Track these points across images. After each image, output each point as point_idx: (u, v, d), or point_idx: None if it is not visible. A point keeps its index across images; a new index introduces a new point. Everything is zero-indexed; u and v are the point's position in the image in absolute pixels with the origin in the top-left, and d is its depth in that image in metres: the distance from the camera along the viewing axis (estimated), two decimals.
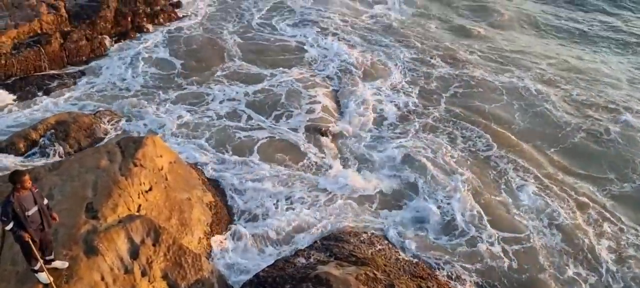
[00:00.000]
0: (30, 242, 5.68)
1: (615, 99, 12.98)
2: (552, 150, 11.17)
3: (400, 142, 11.09)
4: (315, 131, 11.20)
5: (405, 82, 13.39)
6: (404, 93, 12.88)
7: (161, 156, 8.64)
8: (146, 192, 7.88)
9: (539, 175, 10.36)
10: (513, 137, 11.43)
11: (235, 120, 11.59)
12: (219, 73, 13.35)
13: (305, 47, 14.88)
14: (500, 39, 16.22)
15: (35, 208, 5.71)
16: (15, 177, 5.61)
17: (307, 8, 17.49)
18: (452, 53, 14.78)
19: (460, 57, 14.60)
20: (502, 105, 12.58)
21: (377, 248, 8.29)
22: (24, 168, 8.58)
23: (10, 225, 5.59)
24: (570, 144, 11.41)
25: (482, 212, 9.32)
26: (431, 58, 14.56)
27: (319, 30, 15.85)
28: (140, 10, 14.98)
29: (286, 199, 9.45)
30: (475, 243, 8.71)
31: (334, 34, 15.61)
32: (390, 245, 8.53)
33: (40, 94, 12.11)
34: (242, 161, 10.30)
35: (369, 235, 8.59)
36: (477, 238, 8.80)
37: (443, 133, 11.49)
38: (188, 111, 11.77)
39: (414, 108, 12.30)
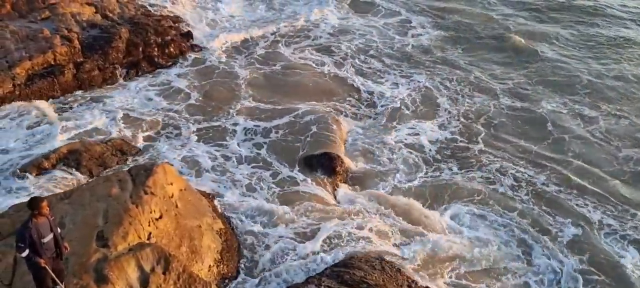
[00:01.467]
0: (47, 268, 5.69)
1: None
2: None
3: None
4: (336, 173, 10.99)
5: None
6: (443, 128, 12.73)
7: (172, 184, 8.67)
8: (156, 219, 7.89)
9: None
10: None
11: (255, 163, 11.21)
12: (236, 108, 12.98)
13: (331, 77, 14.71)
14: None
15: (50, 236, 5.75)
16: (34, 203, 5.67)
17: (330, 35, 17.29)
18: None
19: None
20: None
21: (388, 275, 8.20)
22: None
23: (26, 252, 5.62)
24: None
25: None
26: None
27: (340, 59, 15.73)
28: (152, 41, 15.21)
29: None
30: None
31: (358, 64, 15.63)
32: (403, 272, 8.45)
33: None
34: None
35: (381, 261, 8.50)
36: None
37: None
38: (205, 151, 11.45)
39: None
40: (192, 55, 15.60)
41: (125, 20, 15.72)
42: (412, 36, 17.27)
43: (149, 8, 17.27)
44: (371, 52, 16.14)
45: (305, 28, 17.60)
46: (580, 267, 8.93)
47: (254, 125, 12.24)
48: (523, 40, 16.77)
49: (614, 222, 9.90)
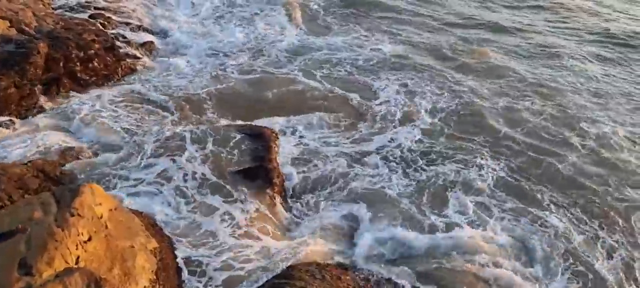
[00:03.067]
0: None
1: None
2: None
3: None
4: None
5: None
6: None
7: (100, 204, 8.26)
8: (85, 242, 7.47)
9: None
10: None
11: (198, 179, 10.77)
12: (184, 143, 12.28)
13: (299, 90, 14.67)
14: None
15: None
16: None
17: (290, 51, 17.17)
18: None
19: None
20: None
21: (329, 283, 8.20)
22: None
23: None
24: None
25: None
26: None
27: (304, 72, 15.68)
28: (73, 55, 14.48)
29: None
30: None
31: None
32: (344, 279, 8.48)
33: None
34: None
35: (322, 269, 8.50)
36: None
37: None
38: (140, 169, 10.97)
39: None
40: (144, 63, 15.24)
41: (43, 34, 14.89)
42: (371, 50, 17.46)
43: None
44: (337, 66, 16.23)
45: (266, 44, 17.50)
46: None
47: (199, 141, 11.92)
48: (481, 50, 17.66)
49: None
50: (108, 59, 15.08)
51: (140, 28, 17.86)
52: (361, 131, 13.01)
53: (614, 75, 16.49)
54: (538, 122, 13.57)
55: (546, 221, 10.21)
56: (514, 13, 21.59)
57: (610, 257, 9.49)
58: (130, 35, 17.12)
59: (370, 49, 17.45)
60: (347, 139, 12.71)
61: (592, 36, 19.73)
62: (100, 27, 16.63)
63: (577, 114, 13.97)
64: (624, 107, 14.55)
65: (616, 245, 9.76)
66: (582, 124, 13.50)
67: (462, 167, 11.73)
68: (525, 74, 16.02)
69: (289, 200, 10.61)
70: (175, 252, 9.05)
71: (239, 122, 12.77)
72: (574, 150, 12.49)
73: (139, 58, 15.92)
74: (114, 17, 17.93)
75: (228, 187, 10.59)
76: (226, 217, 9.84)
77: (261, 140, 11.76)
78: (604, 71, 16.82)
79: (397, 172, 11.55)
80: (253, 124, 12.67)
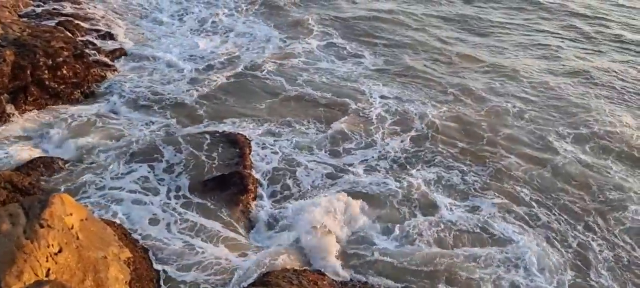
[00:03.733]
0: None
1: None
2: None
3: None
4: None
5: None
6: None
7: (71, 214, 8.07)
8: (55, 254, 7.28)
9: None
10: None
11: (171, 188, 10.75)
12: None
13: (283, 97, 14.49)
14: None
15: None
16: None
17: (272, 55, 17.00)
18: None
19: None
20: None
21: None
22: None
23: None
24: None
25: None
26: None
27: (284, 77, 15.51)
28: (41, 62, 14.15)
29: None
30: None
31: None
32: (321, 284, 8.47)
33: None
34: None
35: (299, 275, 8.47)
36: None
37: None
38: (113, 178, 10.77)
39: None
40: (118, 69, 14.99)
41: (9, 42, 14.52)
42: (350, 56, 17.37)
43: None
44: (318, 71, 16.07)
45: (244, 49, 17.33)
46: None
47: (173, 148, 11.77)
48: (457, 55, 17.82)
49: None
50: (77, 66, 14.77)
51: (109, 35, 17.58)
52: (341, 137, 12.89)
53: (597, 77, 16.66)
54: (522, 125, 13.71)
55: (530, 221, 10.42)
56: (496, 16, 21.79)
57: (588, 253, 9.74)
58: (99, 42, 16.84)
59: (351, 55, 17.39)
60: (326, 145, 12.56)
61: (578, 36, 20.10)
62: (69, 34, 16.31)
63: (559, 118, 14.17)
64: (607, 107, 14.73)
65: (591, 242, 10.00)
66: (560, 129, 13.66)
67: (445, 172, 11.77)
68: (506, 78, 16.26)
69: (264, 208, 10.50)
70: (150, 262, 8.90)
71: (214, 129, 12.64)
72: (556, 153, 12.63)
73: (109, 65, 15.65)
74: (82, 24, 17.62)
75: (202, 195, 10.50)
76: (200, 226, 9.73)
77: (235, 147, 11.71)
78: (587, 73, 17.01)
79: (378, 177, 11.50)
80: (228, 130, 12.57)
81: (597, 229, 10.37)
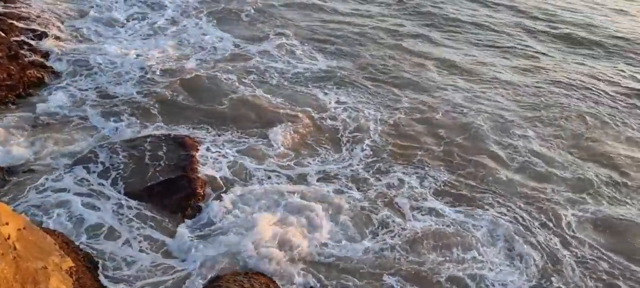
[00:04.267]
0: None
1: None
2: None
3: None
4: None
5: None
6: None
7: (7, 223, 7.65)
8: None
9: None
10: None
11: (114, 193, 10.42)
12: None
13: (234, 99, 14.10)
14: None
15: None
16: None
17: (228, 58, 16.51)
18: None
19: None
20: None
21: None
22: None
23: None
24: None
25: None
26: None
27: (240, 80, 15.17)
28: None
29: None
30: None
31: None
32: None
33: None
34: None
35: (250, 278, 8.40)
36: None
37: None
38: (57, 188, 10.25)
39: None
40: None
41: None
42: (304, 58, 17.09)
43: None
44: (270, 77, 15.73)
45: (195, 51, 16.86)
46: None
47: (114, 152, 11.32)
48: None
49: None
50: (12, 68, 14.04)
51: (46, 35, 16.78)
52: (294, 142, 12.65)
53: (547, 82, 16.92)
54: (475, 129, 13.77)
55: (486, 218, 10.66)
56: (448, 22, 21.62)
57: (543, 251, 10.02)
58: (35, 42, 16.05)
59: (304, 59, 17.08)
60: (280, 150, 12.29)
61: (531, 35, 20.51)
62: (2, 33, 15.48)
63: (510, 121, 14.32)
64: (557, 114, 14.93)
65: (546, 240, 10.29)
66: (514, 130, 13.87)
67: (406, 177, 11.68)
68: (458, 82, 16.41)
69: (213, 212, 10.27)
70: (95, 271, 8.59)
71: (160, 132, 12.31)
72: (508, 156, 12.80)
73: (46, 67, 14.95)
74: (17, 23, 16.74)
75: (148, 199, 10.23)
76: (145, 232, 9.48)
77: (183, 150, 11.46)
78: (545, 70, 17.47)
79: (334, 185, 11.28)
80: (174, 132, 12.29)
81: (561, 227, 10.65)
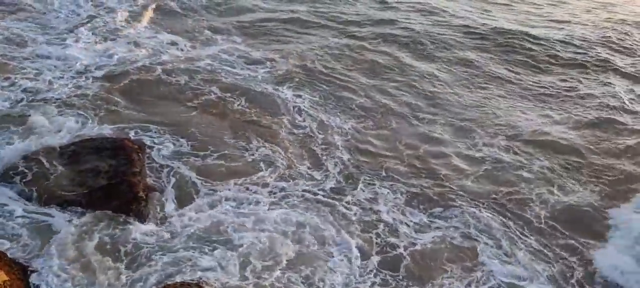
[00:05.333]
0: None
1: None
2: None
3: None
4: None
5: None
6: None
7: None
8: None
9: None
10: None
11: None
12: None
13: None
14: None
15: None
16: None
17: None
18: None
19: None
20: None
21: None
22: None
23: None
24: None
25: None
26: None
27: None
28: None
29: None
30: None
31: None
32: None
33: None
34: None
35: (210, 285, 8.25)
36: None
37: None
38: None
39: None
40: None
41: None
42: (256, 62, 16.64)
43: None
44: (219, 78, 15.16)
45: (142, 54, 15.94)
46: None
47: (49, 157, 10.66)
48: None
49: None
50: None
51: None
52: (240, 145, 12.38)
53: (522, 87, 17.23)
54: (433, 131, 13.98)
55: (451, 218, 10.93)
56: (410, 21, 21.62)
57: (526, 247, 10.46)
58: None
59: (258, 60, 16.65)
60: (237, 155, 12.04)
61: (497, 48, 20.21)
62: None
63: (471, 126, 14.45)
64: (516, 118, 15.20)
65: (517, 239, 10.64)
66: (474, 134, 14.05)
67: (379, 189, 11.53)
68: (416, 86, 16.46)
69: (157, 219, 9.94)
70: (28, 284, 8.09)
71: (96, 135, 11.77)
72: (470, 159, 13.02)
73: None
74: None
75: (87, 206, 9.75)
76: (84, 241, 9.04)
77: (122, 154, 10.98)
78: (509, 82, 17.48)
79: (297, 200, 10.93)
80: (115, 135, 11.79)
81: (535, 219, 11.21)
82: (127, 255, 8.95)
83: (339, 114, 14.36)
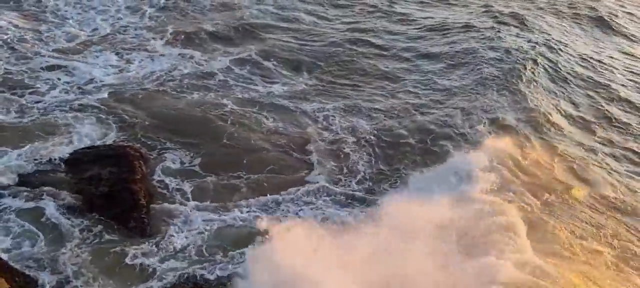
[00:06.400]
0: None
1: None
2: None
3: None
4: None
5: None
6: None
7: None
8: None
9: None
10: None
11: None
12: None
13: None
14: None
15: None
16: None
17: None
18: None
19: None
20: None
21: None
22: None
23: None
24: None
25: None
26: None
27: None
28: None
29: None
30: None
31: None
32: None
33: None
34: None
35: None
36: None
37: None
38: None
39: None
40: None
41: None
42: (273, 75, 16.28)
43: None
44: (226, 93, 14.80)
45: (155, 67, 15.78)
46: None
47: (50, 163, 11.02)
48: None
49: None
50: None
51: None
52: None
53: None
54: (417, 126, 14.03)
55: None
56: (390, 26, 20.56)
57: None
58: None
59: (273, 75, 16.22)
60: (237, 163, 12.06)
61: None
62: None
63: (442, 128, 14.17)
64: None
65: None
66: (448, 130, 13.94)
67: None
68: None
69: (161, 224, 10.10)
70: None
71: (99, 143, 11.99)
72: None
73: None
74: None
75: (89, 213, 9.99)
76: (87, 248, 9.28)
77: (124, 161, 11.15)
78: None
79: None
80: (118, 143, 11.93)
81: None
82: (127, 267, 9.13)
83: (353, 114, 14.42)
